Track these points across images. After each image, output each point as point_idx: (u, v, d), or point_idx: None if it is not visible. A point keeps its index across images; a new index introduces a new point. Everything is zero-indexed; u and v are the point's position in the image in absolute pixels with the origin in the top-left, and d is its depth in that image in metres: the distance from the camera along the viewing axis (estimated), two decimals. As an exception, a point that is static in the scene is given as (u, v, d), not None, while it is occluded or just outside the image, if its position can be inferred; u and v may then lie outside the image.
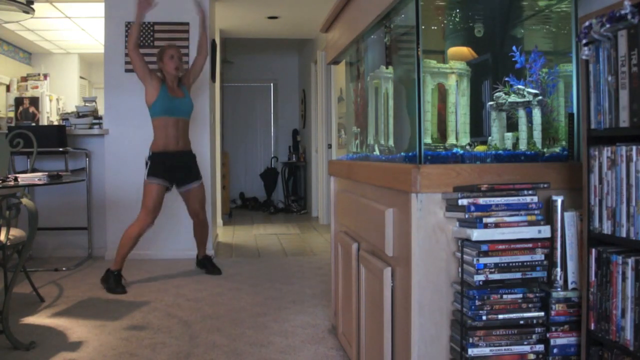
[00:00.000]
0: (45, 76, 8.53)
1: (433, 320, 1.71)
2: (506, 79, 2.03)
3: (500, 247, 1.59)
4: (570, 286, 1.62)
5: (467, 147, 2.04)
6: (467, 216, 1.62)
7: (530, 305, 1.62)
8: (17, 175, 3.31)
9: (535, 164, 1.82)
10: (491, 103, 2.06)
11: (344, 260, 2.69)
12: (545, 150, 1.94)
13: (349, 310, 2.55)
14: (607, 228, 1.36)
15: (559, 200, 1.62)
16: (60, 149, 4.92)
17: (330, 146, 7.42)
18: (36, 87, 8.36)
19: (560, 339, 1.62)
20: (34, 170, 3.94)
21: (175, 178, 4.34)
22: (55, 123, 7.38)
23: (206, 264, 4.70)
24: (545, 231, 1.63)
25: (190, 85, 4.53)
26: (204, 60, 4.57)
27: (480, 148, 2.00)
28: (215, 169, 6.60)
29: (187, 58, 5.21)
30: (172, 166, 4.29)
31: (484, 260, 1.58)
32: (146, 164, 4.29)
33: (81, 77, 9.64)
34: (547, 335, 1.62)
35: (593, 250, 1.41)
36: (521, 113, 1.97)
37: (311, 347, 2.89)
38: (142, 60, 4.22)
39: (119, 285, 4.09)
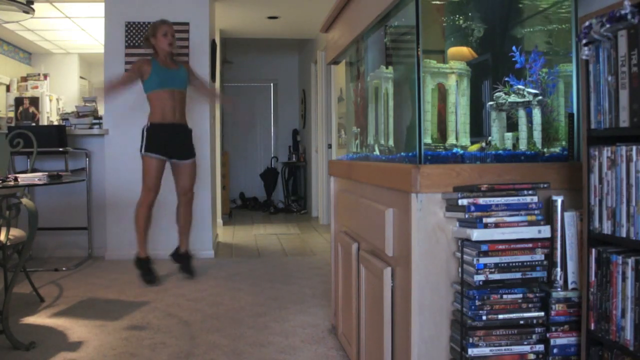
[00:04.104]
0: (45, 76, 8.53)
1: (433, 320, 1.71)
2: (506, 79, 2.03)
3: (500, 247, 1.59)
4: (570, 286, 1.62)
5: (485, 145, 2.01)
6: (467, 216, 1.62)
7: (530, 305, 1.62)
8: (17, 175, 3.31)
9: (535, 164, 1.82)
10: (491, 103, 2.06)
11: (344, 260, 2.69)
12: (545, 150, 1.94)
13: (349, 310, 2.55)
14: (607, 228, 1.36)
15: (559, 200, 1.62)
16: (60, 149, 4.92)
17: (330, 146, 7.42)
18: (36, 87, 8.35)
19: (560, 339, 1.62)
20: (34, 170, 3.94)
21: (172, 150, 4.32)
22: (55, 123, 7.38)
23: (184, 261, 4.56)
24: (545, 231, 1.63)
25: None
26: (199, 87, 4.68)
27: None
28: (215, 169, 6.60)
29: (187, 58, 5.21)
30: (169, 138, 4.29)
31: (484, 260, 1.58)
32: (142, 134, 4.29)
33: (81, 77, 9.63)
34: (547, 335, 1.62)
35: (593, 250, 1.41)
36: (521, 113, 1.97)
37: (311, 347, 2.89)
38: (128, 77, 4.36)
39: (149, 273, 4.21)
